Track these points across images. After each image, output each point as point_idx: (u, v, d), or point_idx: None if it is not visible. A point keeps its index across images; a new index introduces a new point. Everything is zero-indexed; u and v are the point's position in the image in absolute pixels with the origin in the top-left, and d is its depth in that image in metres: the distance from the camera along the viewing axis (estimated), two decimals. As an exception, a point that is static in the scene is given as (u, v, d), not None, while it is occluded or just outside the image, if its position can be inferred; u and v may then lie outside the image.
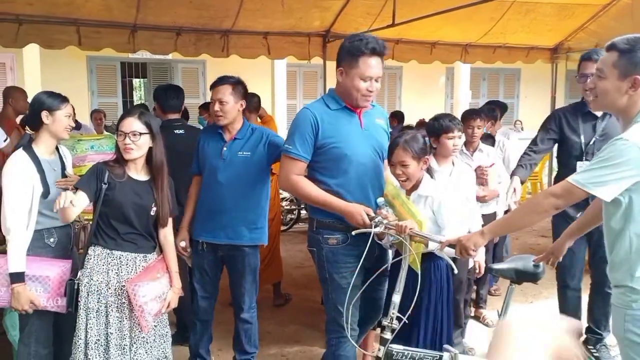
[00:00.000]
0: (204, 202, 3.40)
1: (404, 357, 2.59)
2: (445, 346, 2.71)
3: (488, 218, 4.05)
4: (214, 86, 3.36)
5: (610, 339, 3.89)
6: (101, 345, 2.73)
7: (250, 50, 6.41)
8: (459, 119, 3.73)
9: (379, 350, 2.58)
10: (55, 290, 2.76)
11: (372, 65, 2.76)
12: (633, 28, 5.56)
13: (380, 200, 2.81)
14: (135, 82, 13.54)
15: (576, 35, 7.27)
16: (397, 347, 2.58)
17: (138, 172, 2.83)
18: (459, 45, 7.39)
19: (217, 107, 3.30)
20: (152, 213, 2.82)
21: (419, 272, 2.57)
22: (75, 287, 2.73)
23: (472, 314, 4.57)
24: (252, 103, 4.76)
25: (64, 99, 2.94)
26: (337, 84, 2.91)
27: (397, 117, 8.17)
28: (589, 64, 3.52)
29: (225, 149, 3.34)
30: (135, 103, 11.80)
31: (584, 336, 3.99)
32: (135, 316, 2.74)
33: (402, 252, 2.60)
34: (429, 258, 2.78)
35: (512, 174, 3.84)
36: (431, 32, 6.70)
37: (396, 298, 2.58)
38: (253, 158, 3.32)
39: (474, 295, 4.66)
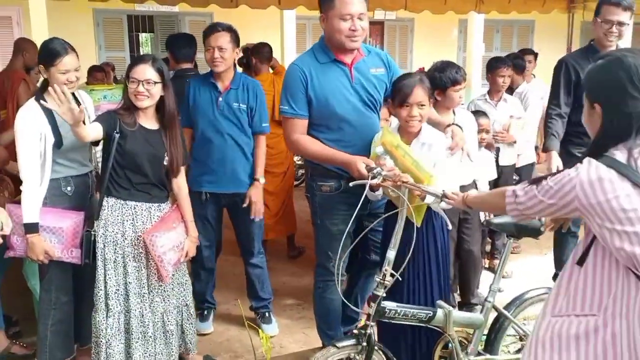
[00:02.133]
0: (202, 153, 3.38)
1: (397, 314, 2.45)
2: (439, 302, 2.60)
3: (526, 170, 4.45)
4: (210, 33, 3.29)
5: None
6: (121, 294, 2.75)
7: (260, 0, 6.24)
8: (464, 69, 3.53)
9: (370, 307, 2.43)
10: (70, 242, 2.77)
11: (348, 1, 2.62)
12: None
13: (380, 149, 2.63)
14: (142, 37, 13.35)
15: (595, -17, 7.01)
16: (389, 304, 2.45)
17: (149, 120, 2.77)
18: (473, -6, 7.16)
19: (217, 54, 3.25)
20: (165, 162, 2.79)
21: (417, 225, 2.37)
22: (92, 238, 2.72)
23: (487, 266, 4.57)
24: (263, 53, 4.67)
25: (58, 54, 2.76)
26: (324, 32, 2.81)
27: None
28: (618, 9, 3.36)
29: (220, 99, 3.32)
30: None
31: None
32: (152, 265, 2.75)
33: (399, 205, 2.45)
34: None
35: (546, 149, 3.55)
36: (445, -20, 6.50)
37: (391, 254, 2.41)
38: (247, 107, 3.34)
39: (489, 248, 4.66)
